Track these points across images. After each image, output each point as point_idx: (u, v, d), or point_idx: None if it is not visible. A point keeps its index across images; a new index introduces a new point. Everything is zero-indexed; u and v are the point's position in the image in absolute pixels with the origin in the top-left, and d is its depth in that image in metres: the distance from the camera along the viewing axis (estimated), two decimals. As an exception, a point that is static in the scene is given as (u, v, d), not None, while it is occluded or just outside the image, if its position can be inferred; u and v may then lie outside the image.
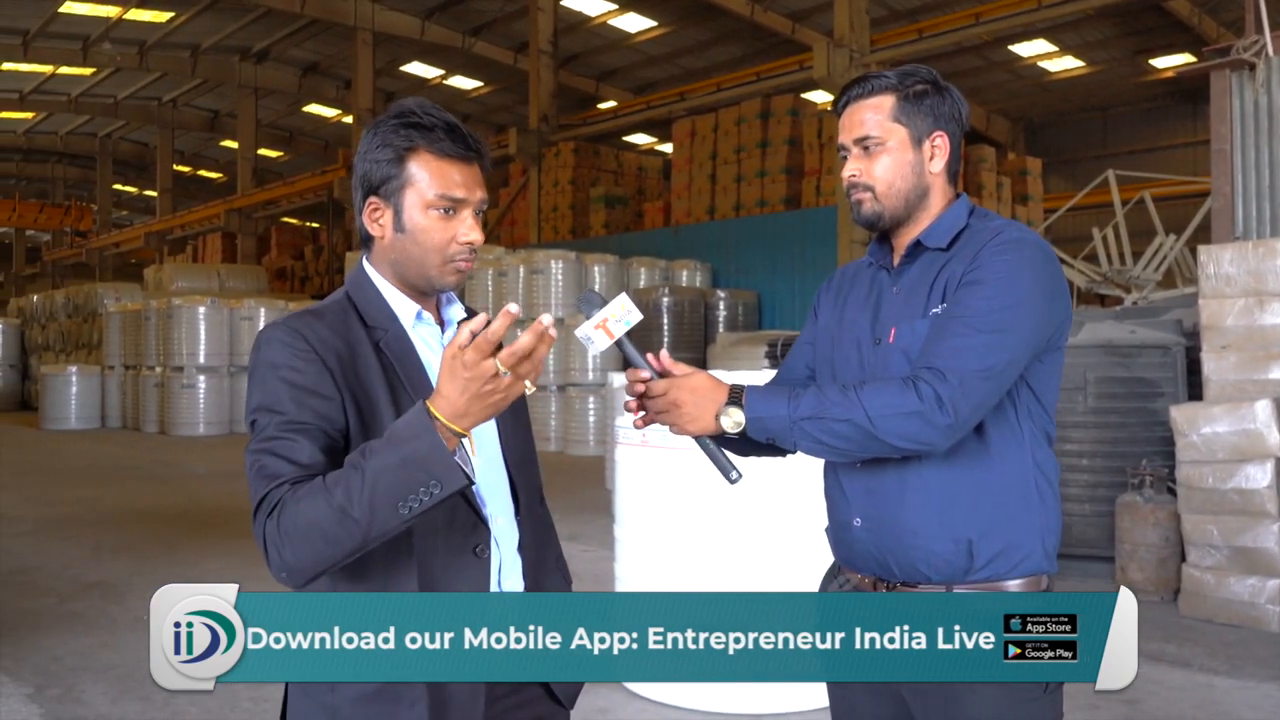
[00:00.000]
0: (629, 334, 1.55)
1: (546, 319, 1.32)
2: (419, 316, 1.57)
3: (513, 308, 1.34)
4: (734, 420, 1.59)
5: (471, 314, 1.63)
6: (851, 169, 1.74)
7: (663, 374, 1.61)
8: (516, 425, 1.65)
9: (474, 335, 1.32)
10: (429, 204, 1.51)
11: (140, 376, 17.11)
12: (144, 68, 23.63)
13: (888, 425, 1.55)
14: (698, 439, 1.62)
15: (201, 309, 16.49)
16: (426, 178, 1.51)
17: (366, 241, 1.59)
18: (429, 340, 1.59)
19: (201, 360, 16.27)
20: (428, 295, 1.60)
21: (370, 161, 1.53)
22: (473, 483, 1.35)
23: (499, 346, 1.33)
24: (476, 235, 1.53)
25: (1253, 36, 6.78)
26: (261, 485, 1.39)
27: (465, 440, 1.35)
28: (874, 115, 1.72)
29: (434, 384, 1.50)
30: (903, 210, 1.73)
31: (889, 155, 1.72)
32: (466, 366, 1.31)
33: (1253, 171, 6.90)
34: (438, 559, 1.46)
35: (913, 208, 1.74)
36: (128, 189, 36.99)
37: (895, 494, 1.67)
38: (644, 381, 1.61)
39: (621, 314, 1.52)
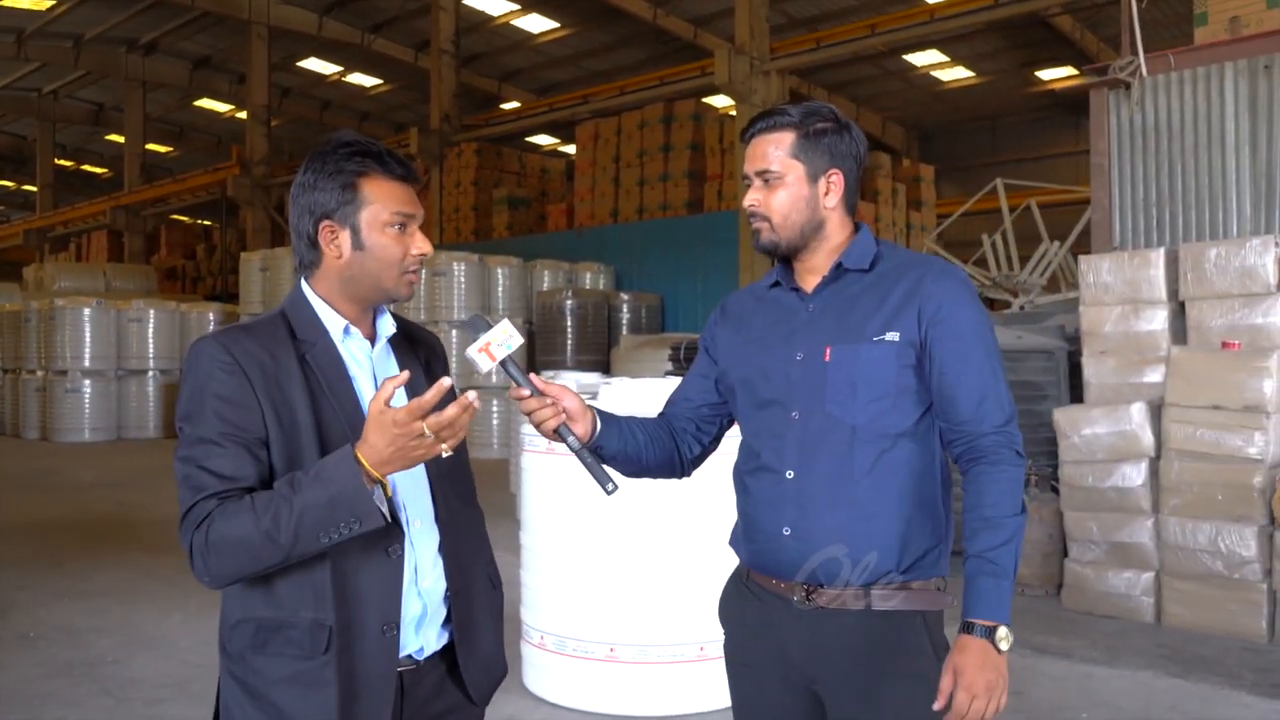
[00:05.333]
0: (513, 356, 1.67)
1: (471, 395, 1.48)
2: (346, 331, 1.69)
3: (446, 382, 1.49)
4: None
5: (401, 323, 1.77)
6: (751, 199, 1.86)
7: (541, 392, 1.74)
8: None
9: (394, 390, 1.48)
10: (386, 222, 1.65)
11: (20, 380, 16.35)
12: (22, 57, 22.53)
13: (1015, 501, 1.75)
14: (576, 452, 1.76)
15: (86, 310, 15.82)
16: (381, 198, 1.65)
17: (308, 265, 1.70)
18: (356, 354, 1.71)
19: (87, 364, 15.61)
20: (367, 310, 1.72)
21: (321, 190, 1.65)
22: (388, 523, 1.49)
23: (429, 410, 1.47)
24: (427, 247, 1.69)
25: (1128, 57, 7.14)
26: (188, 496, 1.54)
27: (380, 485, 1.50)
28: (775, 150, 1.84)
29: (358, 394, 1.65)
30: (798, 240, 1.86)
31: (786, 190, 1.83)
32: (397, 424, 1.45)
33: (1129, 185, 7.26)
34: (350, 558, 1.57)
35: (808, 238, 1.86)
36: (5, 184, 35.25)
37: (826, 506, 1.78)
38: (524, 398, 1.73)
39: (503, 338, 1.64)
